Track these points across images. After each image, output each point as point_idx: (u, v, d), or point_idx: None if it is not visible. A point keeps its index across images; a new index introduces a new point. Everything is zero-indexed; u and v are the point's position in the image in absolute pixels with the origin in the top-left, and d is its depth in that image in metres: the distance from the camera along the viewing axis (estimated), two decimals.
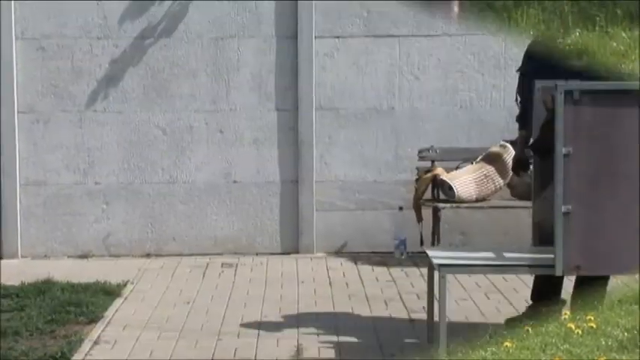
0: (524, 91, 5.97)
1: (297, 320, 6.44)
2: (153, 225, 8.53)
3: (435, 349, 5.54)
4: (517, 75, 6.25)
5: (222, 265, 8.15)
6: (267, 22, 8.44)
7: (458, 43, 8.46)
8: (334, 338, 6.02)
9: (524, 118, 6.05)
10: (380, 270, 7.89)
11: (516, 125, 6.26)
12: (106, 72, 8.45)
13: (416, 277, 7.59)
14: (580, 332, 5.16)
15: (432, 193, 8.13)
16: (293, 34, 8.43)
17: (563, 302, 6.15)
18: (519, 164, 6.23)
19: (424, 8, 8.36)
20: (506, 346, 5.01)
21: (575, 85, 5.26)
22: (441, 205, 8.01)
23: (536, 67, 5.92)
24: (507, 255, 5.75)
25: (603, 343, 4.99)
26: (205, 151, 8.51)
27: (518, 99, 6.13)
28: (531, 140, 5.97)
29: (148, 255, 8.48)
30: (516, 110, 6.23)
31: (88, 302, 6.71)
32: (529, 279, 7.11)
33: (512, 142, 7.71)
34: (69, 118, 8.46)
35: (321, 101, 8.48)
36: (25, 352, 5.72)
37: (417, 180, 8.16)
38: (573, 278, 5.91)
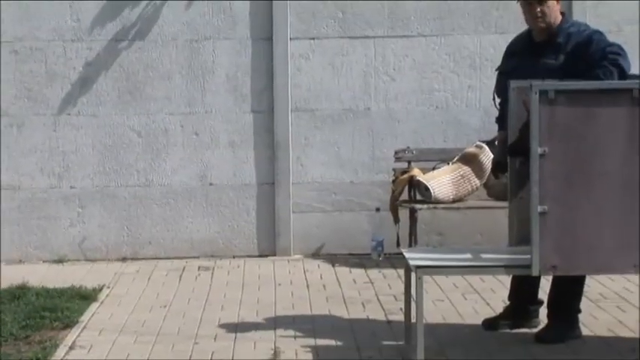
0: (502, 90, 5.95)
1: (274, 323, 6.42)
2: (129, 228, 8.48)
3: (412, 351, 5.53)
4: (494, 74, 6.24)
5: (199, 268, 8.11)
6: (242, 24, 8.41)
7: (433, 43, 8.45)
8: (312, 341, 6.00)
9: (503, 119, 6.04)
10: (357, 272, 7.88)
11: (493, 125, 6.25)
12: (80, 75, 8.40)
13: (393, 278, 7.57)
14: None
15: (409, 194, 8.12)
16: (268, 35, 8.41)
17: (541, 302, 6.16)
18: (498, 166, 6.17)
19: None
20: None
21: (550, 84, 5.26)
22: (417, 206, 8.01)
23: (515, 66, 5.91)
24: (484, 256, 5.74)
25: None
26: (181, 153, 8.47)
27: (497, 99, 6.10)
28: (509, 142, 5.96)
29: (124, 259, 8.43)
30: (494, 111, 6.22)
31: (64, 307, 6.66)
32: (506, 279, 7.12)
33: (488, 143, 7.73)
34: (43, 122, 8.40)
35: (296, 103, 8.46)
36: None
37: (393, 181, 8.15)
38: (550, 278, 5.91)
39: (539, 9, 5.77)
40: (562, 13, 5.88)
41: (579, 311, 5.99)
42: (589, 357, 5.60)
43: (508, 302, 6.25)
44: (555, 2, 5.82)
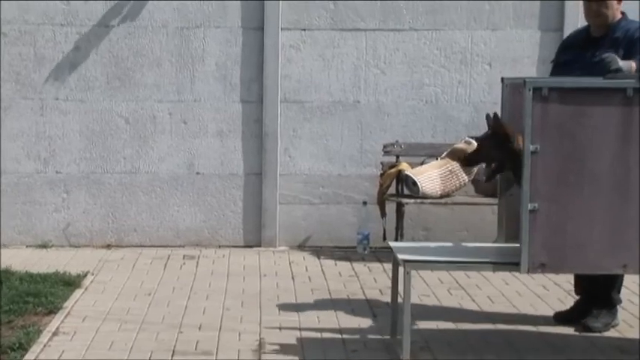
0: None
1: (259, 313, 6.39)
2: (114, 215, 8.44)
3: (398, 345, 5.51)
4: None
5: (184, 257, 8.08)
6: (233, 12, 8.37)
7: (424, 37, 8.43)
8: (297, 333, 5.98)
9: None
10: (343, 265, 7.86)
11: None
12: (69, 59, 8.34)
13: (379, 272, 7.56)
14: None
15: (397, 188, 8.11)
16: (259, 25, 8.37)
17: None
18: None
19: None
20: None
21: (543, 81, 5.26)
22: (404, 200, 7.99)
23: (570, 58, 5.99)
24: (472, 252, 5.73)
25: None
26: (168, 141, 8.43)
27: None
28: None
29: (109, 246, 8.39)
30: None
31: (47, 293, 6.62)
32: (491, 275, 7.13)
33: (477, 139, 7.69)
34: (30, 106, 8.34)
35: (286, 94, 8.43)
36: None
37: (381, 175, 8.14)
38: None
39: (597, 7, 5.90)
40: (622, 13, 5.99)
41: (619, 301, 6.11)
42: (581, 352, 5.60)
43: (577, 296, 6.29)
44: (616, 2, 5.94)
